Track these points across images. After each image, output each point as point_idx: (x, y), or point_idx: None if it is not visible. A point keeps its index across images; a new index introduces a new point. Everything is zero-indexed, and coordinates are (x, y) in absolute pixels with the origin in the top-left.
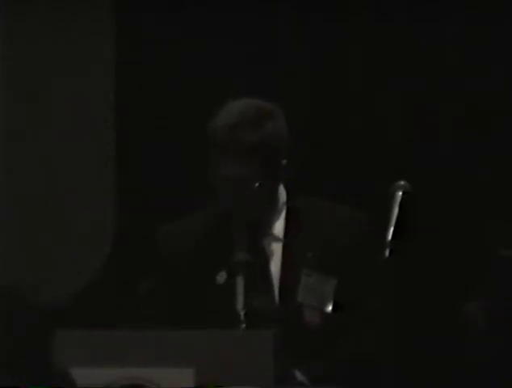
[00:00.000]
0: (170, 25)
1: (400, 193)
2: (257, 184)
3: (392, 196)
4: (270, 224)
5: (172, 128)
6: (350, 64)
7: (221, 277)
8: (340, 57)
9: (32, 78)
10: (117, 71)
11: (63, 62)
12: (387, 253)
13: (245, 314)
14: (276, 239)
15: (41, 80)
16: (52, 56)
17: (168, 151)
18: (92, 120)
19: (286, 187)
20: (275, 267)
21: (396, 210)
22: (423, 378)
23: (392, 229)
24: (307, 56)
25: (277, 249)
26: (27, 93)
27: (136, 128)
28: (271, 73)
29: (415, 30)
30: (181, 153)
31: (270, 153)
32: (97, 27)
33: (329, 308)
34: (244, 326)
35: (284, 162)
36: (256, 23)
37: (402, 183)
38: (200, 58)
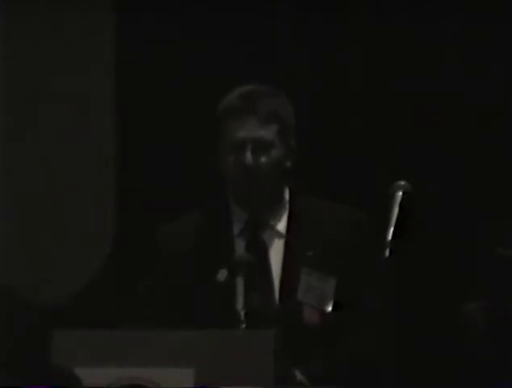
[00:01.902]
0: (170, 25)
1: (400, 193)
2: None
3: (392, 196)
4: (272, 222)
5: (172, 128)
6: (350, 64)
7: (222, 275)
8: (340, 57)
9: (32, 78)
10: (117, 71)
11: (63, 62)
12: (387, 253)
13: (245, 314)
14: (278, 238)
15: (41, 80)
16: (53, 56)
17: (168, 151)
18: (92, 120)
19: (289, 188)
20: (276, 266)
21: (396, 210)
22: (423, 378)
23: (392, 229)
24: (307, 56)
25: (278, 248)
26: (27, 93)
27: (136, 128)
28: (271, 73)
29: (415, 30)
30: (181, 154)
31: (283, 124)
32: (97, 27)
33: (329, 307)
34: (244, 326)
35: (293, 142)
36: (256, 23)
37: (402, 183)
38: (200, 58)
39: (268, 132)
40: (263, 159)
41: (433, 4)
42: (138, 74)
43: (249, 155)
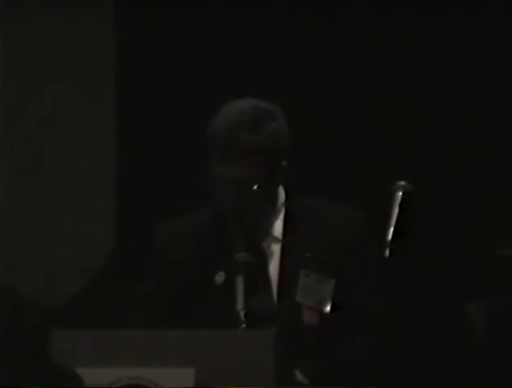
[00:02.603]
0: (170, 25)
1: (400, 193)
2: (255, 187)
3: (392, 196)
4: (269, 224)
5: (172, 127)
6: (350, 64)
7: (220, 277)
8: (340, 57)
9: (31, 78)
10: (117, 71)
11: (62, 62)
12: (387, 253)
13: (245, 314)
14: (275, 240)
15: (40, 79)
16: (52, 56)
17: (168, 151)
18: (92, 120)
19: (285, 188)
20: (274, 267)
21: (396, 210)
22: (424, 378)
23: (392, 229)
24: (307, 56)
25: (276, 249)
26: (25, 93)
27: (136, 128)
28: (271, 74)
29: (415, 29)
30: (181, 153)
31: (271, 154)
32: (97, 28)
33: (327, 308)
34: (244, 326)
35: (284, 163)
36: (256, 23)
37: (402, 183)
38: (201, 58)
39: (252, 170)
40: (247, 193)
41: (433, 4)
42: (138, 74)
43: (230, 194)
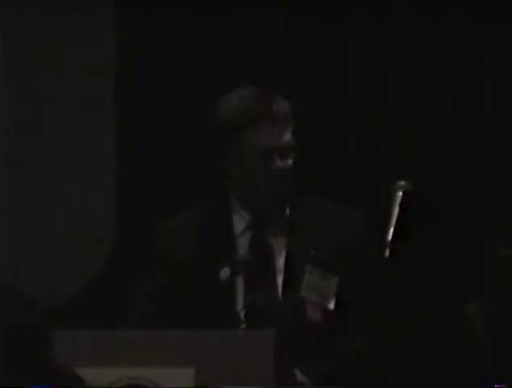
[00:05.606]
0: (170, 25)
1: (400, 193)
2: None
3: (392, 196)
4: (274, 222)
5: (172, 127)
6: (350, 64)
7: (225, 273)
8: (340, 57)
9: (31, 78)
10: (117, 71)
11: (62, 62)
12: (387, 253)
13: (245, 314)
14: (280, 237)
15: (40, 79)
16: (52, 56)
17: (168, 151)
18: (92, 120)
19: (290, 187)
20: (279, 264)
21: (396, 210)
22: (424, 378)
23: (392, 230)
24: (307, 55)
25: (281, 247)
26: (25, 93)
27: (136, 128)
28: (270, 75)
29: (415, 29)
30: (181, 153)
31: (292, 122)
32: (97, 28)
33: (331, 305)
34: (244, 326)
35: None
36: (256, 23)
37: (402, 183)
38: (200, 58)
39: (289, 136)
40: (289, 162)
41: (433, 3)
42: (138, 74)
43: (278, 163)
